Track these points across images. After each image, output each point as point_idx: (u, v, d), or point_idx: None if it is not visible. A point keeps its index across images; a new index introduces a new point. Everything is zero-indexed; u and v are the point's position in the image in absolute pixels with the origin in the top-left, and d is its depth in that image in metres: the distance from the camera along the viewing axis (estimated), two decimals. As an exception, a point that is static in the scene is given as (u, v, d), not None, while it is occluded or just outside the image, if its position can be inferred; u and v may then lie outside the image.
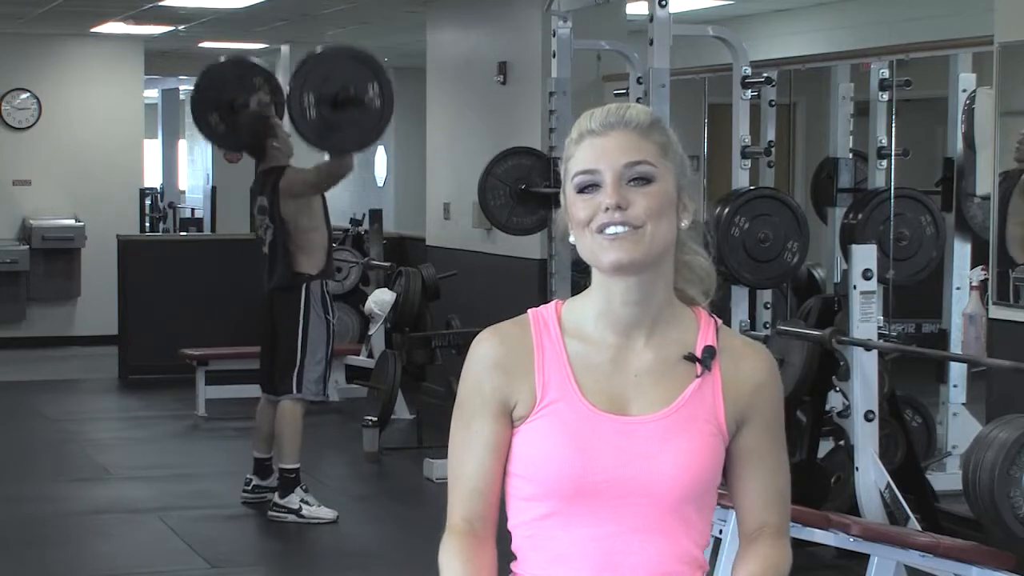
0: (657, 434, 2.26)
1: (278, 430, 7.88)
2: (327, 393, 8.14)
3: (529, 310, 2.36)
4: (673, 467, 2.25)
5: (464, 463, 2.32)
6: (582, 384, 2.27)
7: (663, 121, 2.29)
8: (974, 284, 7.46)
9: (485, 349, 2.32)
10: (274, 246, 7.88)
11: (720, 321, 2.35)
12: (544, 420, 2.27)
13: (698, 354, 2.29)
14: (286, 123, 8.06)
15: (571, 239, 2.28)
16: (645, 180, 2.23)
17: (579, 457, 2.24)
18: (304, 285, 7.81)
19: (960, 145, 7.84)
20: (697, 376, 2.29)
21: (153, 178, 20.23)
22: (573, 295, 2.38)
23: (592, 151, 2.25)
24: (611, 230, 2.22)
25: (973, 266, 7.75)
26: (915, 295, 8.43)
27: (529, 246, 9.98)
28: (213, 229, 17.80)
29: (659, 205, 2.23)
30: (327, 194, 8.09)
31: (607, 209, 2.21)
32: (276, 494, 7.90)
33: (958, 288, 7.96)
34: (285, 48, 16.37)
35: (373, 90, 7.83)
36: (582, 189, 2.25)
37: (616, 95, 8.88)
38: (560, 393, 2.27)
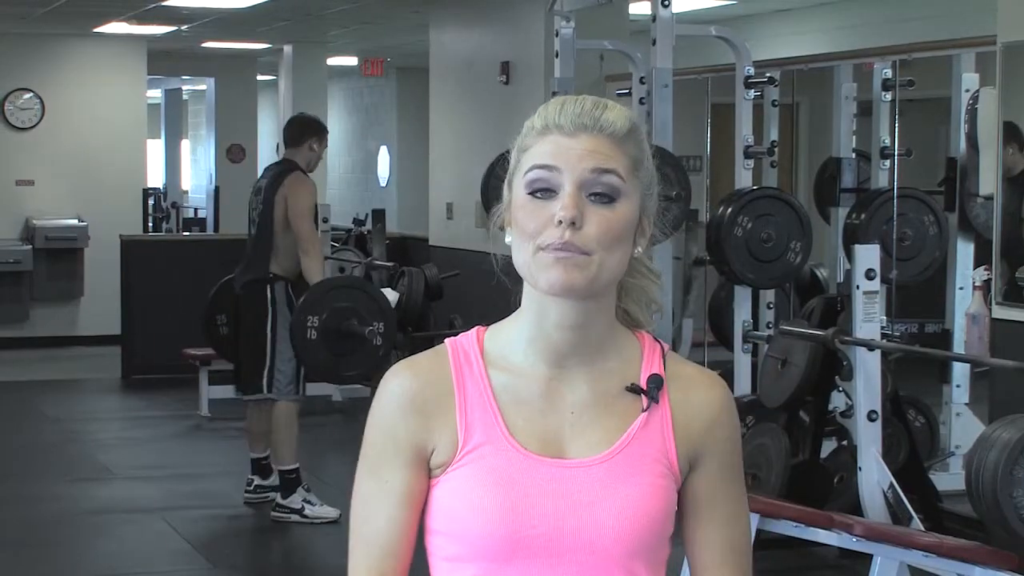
0: (599, 479, 1.94)
1: (274, 431, 7.88)
2: (301, 392, 8.07)
3: (447, 340, 2.03)
4: (618, 517, 1.93)
5: (371, 518, 2.00)
6: (510, 424, 1.95)
7: (641, 130, 1.98)
8: (977, 284, 7.46)
9: (397, 386, 1.98)
10: (260, 230, 7.88)
11: (667, 346, 2.04)
12: (468, 468, 1.94)
13: (643, 384, 1.98)
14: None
15: (507, 239, 1.98)
16: (608, 198, 1.90)
17: (510, 510, 1.92)
18: (269, 285, 7.80)
19: (963, 145, 7.84)
20: (643, 410, 1.97)
21: (156, 178, 20.25)
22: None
23: (555, 148, 1.91)
24: (554, 253, 1.89)
25: (976, 266, 7.74)
26: (918, 295, 8.43)
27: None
28: (216, 229, 17.81)
29: (617, 232, 1.91)
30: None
31: (559, 223, 1.88)
32: (278, 495, 7.90)
33: (961, 288, 7.96)
34: (288, 48, 16.38)
35: (376, 327, 7.80)
36: (535, 190, 1.91)
37: (619, 95, 8.88)
38: (485, 435, 1.95)
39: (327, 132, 8.20)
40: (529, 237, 1.91)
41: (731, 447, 2.03)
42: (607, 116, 1.94)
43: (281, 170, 7.97)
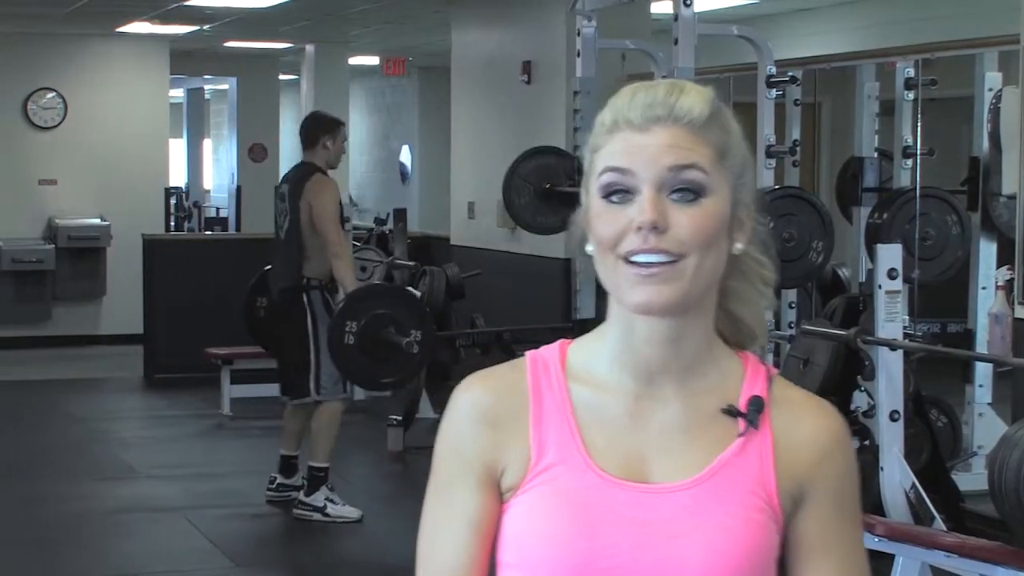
0: (686, 508, 1.72)
1: (315, 428, 7.89)
2: (348, 391, 8.14)
3: (528, 352, 1.83)
4: (706, 551, 1.71)
5: (439, 544, 1.80)
6: (590, 443, 1.74)
7: (724, 111, 1.75)
8: (1000, 284, 7.44)
9: (468, 399, 1.79)
10: (289, 236, 7.91)
11: (774, 369, 1.83)
12: (539, 491, 1.74)
13: (742, 407, 1.76)
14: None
15: (588, 249, 1.76)
16: (693, 194, 1.69)
17: (582, 538, 1.71)
18: (305, 292, 7.82)
19: (986, 144, 7.81)
20: (739, 434, 1.75)
21: (178, 177, 20.28)
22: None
23: (627, 147, 1.70)
24: (643, 258, 1.68)
25: (999, 265, 7.72)
26: (940, 295, 8.41)
27: (554, 245, 9.97)
28: (238, 228, 17.84)
29: (709, 230, 1.70)
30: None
31: (639, 229, 1.67)
32: (302, 492, 7.92)
33: (984, 288, 7.94)
34: (310, 48, 16.40)
35: (414, 336, 7.81)
36: (610, 193, 1.70)
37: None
38: (560, 454, 1.74)
39: (341, 125, 8.15)
40: (608, 247, 1.70)
41: (845, 484, 1.78)
42: (683, 103, 1.71)
43: (301, 174, 7.98)
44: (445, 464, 1.80)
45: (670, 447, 1.75)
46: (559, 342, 1.83)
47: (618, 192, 1.70)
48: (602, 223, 1.71)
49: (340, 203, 8.03)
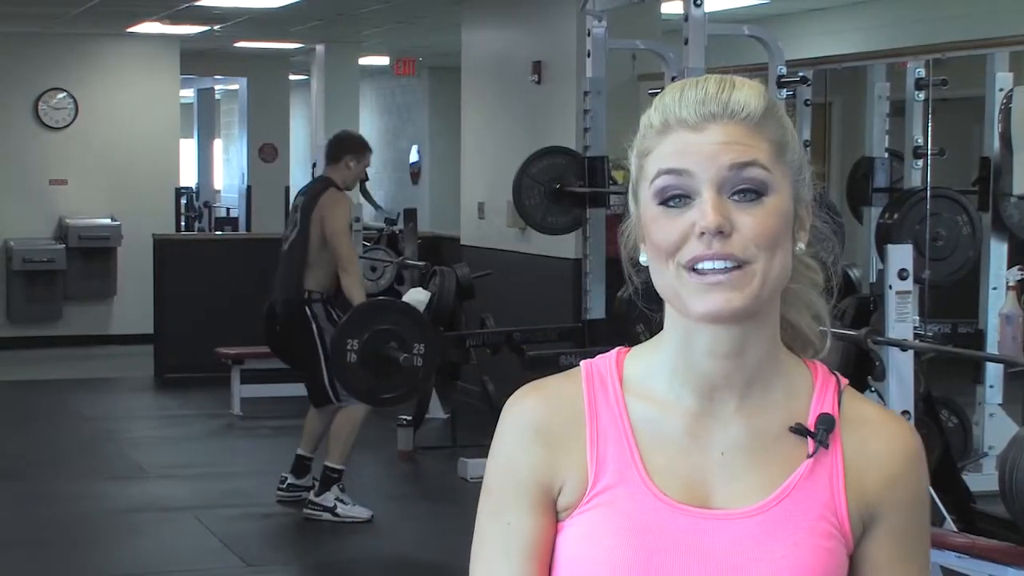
0: (751, 536, 1.62)
1: (335, 429, 7.91)
2: None
3: (583, 361, 1.73)
4: None
5: (492, 567, 1.68)
6: (649, 464, 1.65)
7: (779, 105, 1.65)
8: (1011, 284, 7.43)
9: (521, 412, 1.69)
10: (292, 248, 7.95)
11: (845, 380, 1.71)
12: (596, 513, 1.64)
13: (810, 425, 1.65)
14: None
15: (642, 259, 1.65)
16: (756, 193, 1.59)
17: (642, 566, 1.61)
18: (307, 305, 7.86)
19: (997, 144, 7.80)
20: (809, 455, 1.64)
21: (188, 177, 20.31)
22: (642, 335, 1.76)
23: (682, 148, 1.60)
24: (707, 265, 1.57)
25: (1010, 266, 7.71)
26: (951, 295, 8.39)
27: (564, 246, 9.97)
28: (248, 228, 17.86)
29: (775, 230, 1.59)
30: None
31: (702, 234, 1.57)
32: (312, 491, 7.93)
33: (994, 288, 7.93)
34: (320, 48, 16.41)
35: (417, 350, 7.79)
36: (666, 199, 1.60)
37: (651, 94, 8.86)
38: (619, 475, 1.64)
39: (368, 150, 8.25)
40: (667, 255, 1.59)
41: (916, 509, 1.69)
42: (737, 97, 1.62)
43: (317, 189, 8.07)
44: (498, 485, 1.69)
45: (733, 470, 1.65)
46: (615, 351, 1.73)
47: (676, 196, 1.59)
48: (660, 230, 1.60)
49: (352, 219, 8.11)
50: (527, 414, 1.68)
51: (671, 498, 1.63)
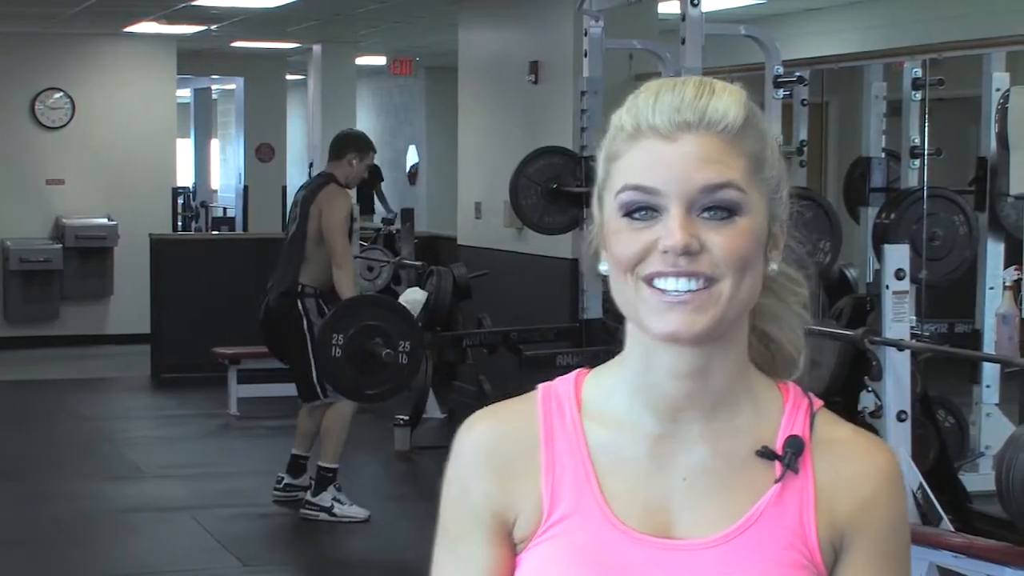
0: (713, 568, 1.53)
1: (326, 428, 7.92)
2: None
3: (540, 385, 1.63)
4: None
5: None
6: (608, 491, 1.55)
7: (759, 114, 1.55)
8: (1007, 284, 7.43)
9: (473, 441, 1.60)
10: (292, 242, 7.96)
11: (819, 402, 1.61)
12: (551, 544, 1.55)
13: (778, 448, 1.55)
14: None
15: (602, 268, 1.57)
16: (728, 212, 1.49)
17: None
18: (299, 299, 7.86)
19: (993, 144, 7.80)
20: (776, 480, 1.55)
21: (185, 177, 20.32)
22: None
23: (652, 160, 1.49)
24: (670, 284, 1.49)
25: (1006, 266, 7.72)
26: (948, 295, 8.40)
27: (560, 245, 9.97)
28: (245, 228, 17.86)
29: (745, 251, 1.50)
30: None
31: (666, 252, 1.48)
32: (309, 492, 7.93)
33: (991, 288, 7.93)
34: (317, 48, 16.41)
35: (402, 347, 7.79)
36: (632, 211, 1.50)
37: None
38: (575, 504, 1.55)
39: (371, 149, 8.27)
40: (627, 268, 1.50)
41: (892, 534, 1.57)
42: (715, 105, 1.51)
43: (318, 184, 8.09)
44: (453, 515, 1.60)
45: (696, 496, 1.55)
46: (575, 373, 1.63)
47: (642, 209, 1.50)
48: (621, 243, 1.51)
49: (352, 216, 8.10)
50: (479, 441, 1.59)
51: (630, 528, 1.53)
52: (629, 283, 1.50)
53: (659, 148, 1.49)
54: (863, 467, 1.56)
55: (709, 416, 1.55)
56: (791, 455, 1.54)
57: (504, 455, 1.58)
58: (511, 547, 1.58)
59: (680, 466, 1.55)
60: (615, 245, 1.51)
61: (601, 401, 1.59)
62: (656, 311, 1.49)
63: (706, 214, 1.48)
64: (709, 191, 1.48)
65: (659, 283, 1.48)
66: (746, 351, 1.58)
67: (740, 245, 1.49)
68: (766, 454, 1.55)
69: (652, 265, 1.48)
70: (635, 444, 1.56)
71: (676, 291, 1.48)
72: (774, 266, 1.56)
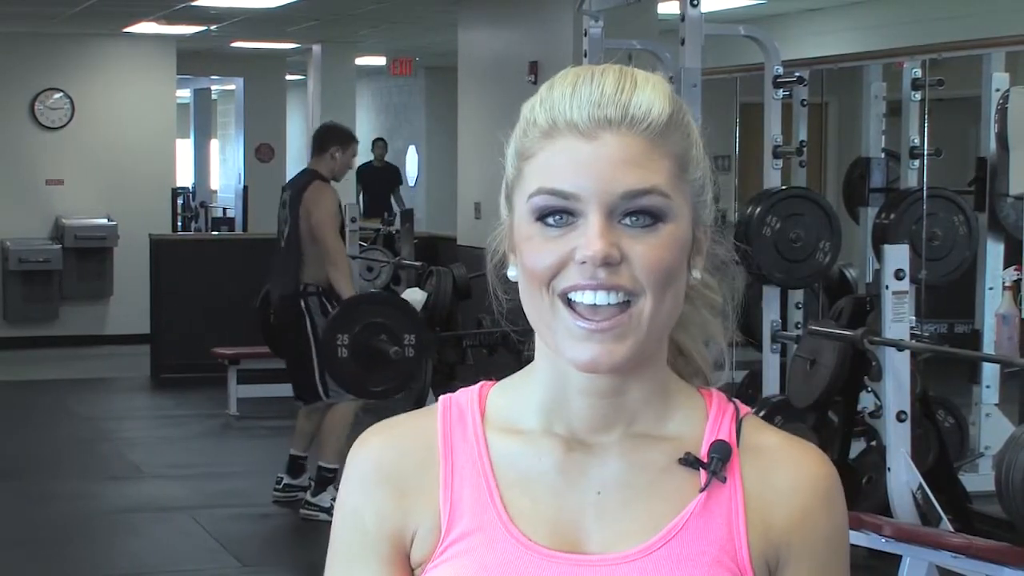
0: None
1: (327, 428, 7.91)
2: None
3: (441, 396, 1.52)
4: None
5: None
6: (511, 505, 1.42)
7: (684, 108, 1.42)
8: (1007, 284, 7.43)
9: (366, 456, 1.47)
10: (289, 243, 7.94)
11: (745, 408, 1.48)
12: (451, 565, 1.42)
13: (703, 455, 1.43)
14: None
15: (511, 274, 1.45)
16: (650, 218, 1.36)
17: None
18: (303, 299, 7.85)
19: (993, 145, 7.81)
20: (700, 489, 1.42)
21: (185, 178, 20.32)
22: None
23: (569, 161, 1.36)
24: (587, 298, 1.35)
25: (1006, 266, 7.72)
26: (947, 295, 8.40)
27: (560, 246, 9.95)
28: (245, 228, 17.85)
29: (669, 263, 1.37)
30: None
31: (584, 262, 1.35)
32: (308, 492, 7.93)
33: (991, 288, 7.93)
34: (317, 48, 16.41)
35: (407, 340, 7.78)
36: (545, 215, 1.37)
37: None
38: (477, 520, 1.42)
39: (353, 140, 8.22)
40: (540, 281, 1.38)
41: (831, 548, 1.45)
42: (638, 100, 1.37)
43: (303, 181, 8.03)
44: (343, 537, 1.48)
45: (612, 510, 1.41)
46: (480, 384, 1.51)
47: (555, 213, 1.37)
48: (534, 251, 1.37)
49: (341, 210, 8.08)
50: (372, 458, 1.46)
51: (536, 543, 1.40)
52: (544, 299, 1.38)
53: (577, 147, 1.36)
54: (798, 476, 1.43)
55: (626, 430, 1.43)
56: (717, 461, 1.41)
57: (399, 471, 1.45)
58: (408, 571, 1.45)
59: (593, 480, 1.42)
60: (527, 254, 1.38)
61: (507, 414, 1.46)
62: (573, 337, 1.36)
63: (628, 220, 1.35)
64: (631, 197, 1.35)
65: (576, 296, 1.35)
66: (665, 363, 1.45)
67: (663, 256, 1.36)
68: (689, 462, 1.42)
69: (568, 278, 1.36)
70: (543, 457, 1.43)
71: (593, 313, 1.35)
72: (696, 274, 1.43)
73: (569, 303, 1.36)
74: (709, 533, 1.40)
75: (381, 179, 17.45)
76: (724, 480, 1.41)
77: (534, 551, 1.40)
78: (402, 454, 1.46)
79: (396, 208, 16.44)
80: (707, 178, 1.43)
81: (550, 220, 1.36)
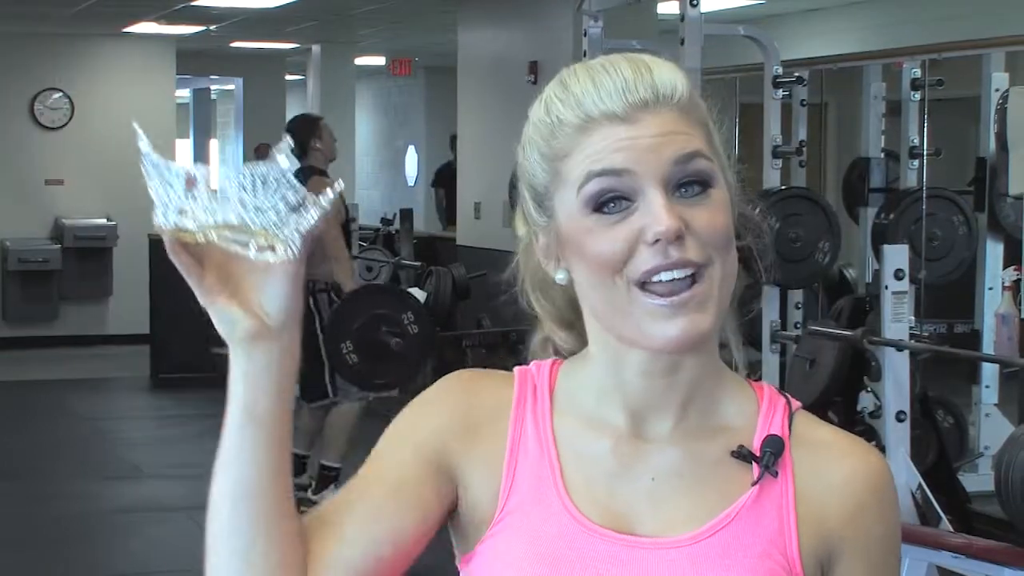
0: (679, 568, 1.40)
1: (331, 427, 7.92)
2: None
3: (516, 368, 1.53)
4: None
5: (345, 498, 1.54)
6: (570, 483, 1.44)
7: (694, 84, 1.47)
8: (1006, 284, 7.43)
9: (457, 383, 1.51)
10: None
11: (796, 403, 1.49)
12: (506, 535, 1.43)
13: (755, 449, 1.44)
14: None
15: (559, 277, 1.47)
16: (701, 186, 1.39)
17: None
18: (311, 295, 7.85)
19: (992, 145, 7.81)
20: (753, 483, 1.43)
21: (185, 178, 20.26)
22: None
23: (614, 144, 1.38)
24: (666, 276, 1.36)
25: (1006, 266, 7.72)
26: (947, 295, 8.40)
27: (560, 246, 9.96)
28: (244, 228, 17.83)
29: (726, 225, 1.40)
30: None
31: (656, 241, 1.35)
32: (310, 490, 7.93)
33: (990, 288, 7.93)
34: (316, 48, 16.41)
35: (412, 330, 7.78)
36: (602, 203, 1.38)
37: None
38: (535, 492, 1.44)
39: (319, 120, 8.33)
40: (613, 270, 1.38)
41: (884, 545, 1.46)
42: (661, 78, 1.40)
43: (303, 179, 8.01)
44: (387, 444, 1.51)
45: (665, 497, 1.43)
46: (551, 361, 1.53)
47: (613, 200, 1.38)
48: (599, 241, 1.38)
49: (345, 206, 8.08)
50: (462, 388, 1.49)
51: (591, 521, 1.42)
52: (618, 287, 1.38)
53: (620, 131, 1.38)
54: (852, 471, 1.44)
55: (680, 415, 1.44)
56: (769, 455, 1.42)
57: (479, 411, 1.47)
58: (439, 491, 1.45)
59: (648, 467, 1.44)
60: (592, 246, 1.38)
61: (572, 394, 1.48)
62: (656, 317, 1.37)
63: (681, 191, 1.37)
64: (682, 161, 1.37)
65: (658, 278, 1.36)
66: (716, 344, 1.46)
67: (721, 220, 1.39)
68: (742, 455, 1.43)
69: (643, 262, 1.36)
70: (602, 442, 1.45)
71: (671, 290, 1.36)
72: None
73: (642, 285, 1.37)
74: (759, 526, 1.42)
75: None
76: (776, 475, 1.43)
77: (587, 527, 1.42)
78: (484, 402, 1.48)
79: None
80: (725, 143, 1.47)
81: (606, 208, 1.38)
